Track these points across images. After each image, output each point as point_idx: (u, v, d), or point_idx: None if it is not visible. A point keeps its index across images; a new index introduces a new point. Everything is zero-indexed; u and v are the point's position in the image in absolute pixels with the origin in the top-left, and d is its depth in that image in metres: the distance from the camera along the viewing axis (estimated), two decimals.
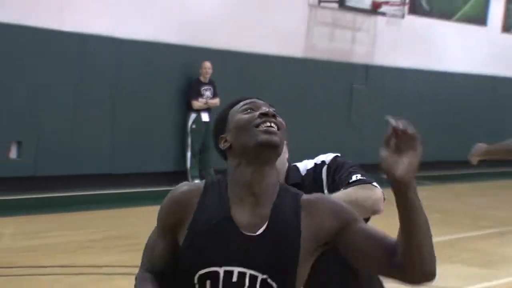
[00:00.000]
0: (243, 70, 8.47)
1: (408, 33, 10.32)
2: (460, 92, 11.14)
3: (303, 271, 1.27)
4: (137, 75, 7.73)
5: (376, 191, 1.71)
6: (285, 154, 1.75)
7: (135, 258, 1.66)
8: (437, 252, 1.17)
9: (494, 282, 5.46)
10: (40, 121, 6.93)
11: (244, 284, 1.24)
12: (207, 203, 1.31)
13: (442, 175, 10.32)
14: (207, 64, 7.98)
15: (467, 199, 8.99)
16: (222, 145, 1.32)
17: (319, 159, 1.81)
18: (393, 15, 9.84)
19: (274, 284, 1.24)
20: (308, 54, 9.34)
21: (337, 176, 1.73)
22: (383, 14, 9.89)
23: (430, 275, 1.23)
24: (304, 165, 1.85)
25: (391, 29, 9.94)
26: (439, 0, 11.47)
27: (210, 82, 8.05)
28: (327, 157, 1.81)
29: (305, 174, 1.82)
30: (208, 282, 1.23)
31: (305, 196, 1.34)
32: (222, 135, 1.33)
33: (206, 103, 8.03)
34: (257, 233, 1.25)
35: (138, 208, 7.00)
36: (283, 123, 1.35)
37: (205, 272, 1.25)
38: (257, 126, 1.26)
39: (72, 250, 5.28)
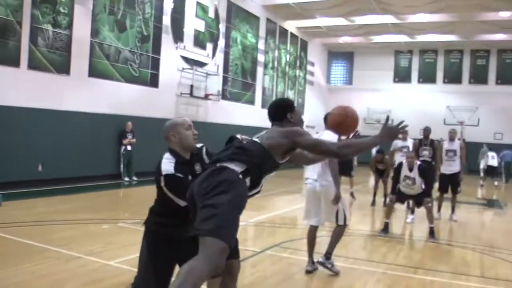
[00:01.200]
0: (146, 126, 15.26)
1: (221, 109, 18.90)
2: None
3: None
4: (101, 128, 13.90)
5: None
6: None
7: None
8: None
9: None
10: None
11: None
12: None
13: None
14: (129, 123, 14.48)
15: None
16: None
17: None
18: (215, 100, 18.26)
19: None
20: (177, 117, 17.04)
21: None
22: (210, 99, 18.10)
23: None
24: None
25: (215, 106, 18.37)
26: (234, 92, 20.39)
27: (131, 131, 14.64)
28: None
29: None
30: None
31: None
32: None
33: (128, 141, 14.59)
34: None
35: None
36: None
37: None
38: None
39: None
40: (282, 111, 3.53)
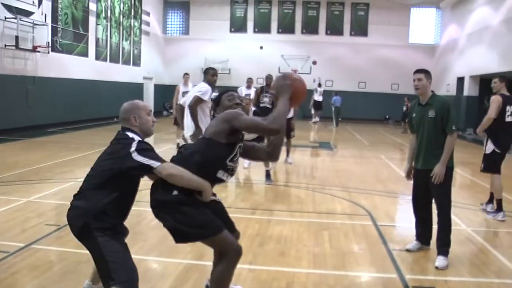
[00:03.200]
0: None
1: (52, 61, 17.78)
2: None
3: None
4: None
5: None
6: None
7: None
8: None
9: None
10: None
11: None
12: None
13: None
14: None
15: None
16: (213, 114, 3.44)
17: None
18: (44, 52, 17.09)
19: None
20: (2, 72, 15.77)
21: None
22: (38, 51, 16.87)
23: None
24: None
25: (45, 58, 17.26)
26: (65, 43, 19.24)
27: None
28: None
29: None
30: None
31: None
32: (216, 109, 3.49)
33: None
34: None
35: None
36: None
37: None
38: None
39: None
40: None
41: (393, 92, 29.63)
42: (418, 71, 5.10)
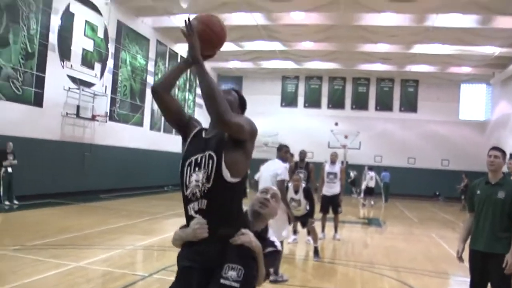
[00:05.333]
0: (29, 147, 14.66)
1: (108, 130, 18.50)
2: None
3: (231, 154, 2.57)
4: None
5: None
6: None
7: None
8: None
9: None
10: None
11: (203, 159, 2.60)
12: None
13: None
14: (10, 144, 13.41)
15: None
16: None
17: None
18: (102, 121, 17.87)
19: (214, 156, 2.58)
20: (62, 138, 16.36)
21: None
22: (97, 120, 17.72)
23: (219, 121, 2.50)
24: None
25: (102, 127, 17.98)
26: (122, 113, 20.05)
27: (12, 152, 13.53)
28: None
29: None
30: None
31: None
32: None
33: (9, 163, 13.58)
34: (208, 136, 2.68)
35: None
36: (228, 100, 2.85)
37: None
38: None
39: None
40: None
41: (443, 168, 29.15)
42: (495, 148, 4.87)
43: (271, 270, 6.17)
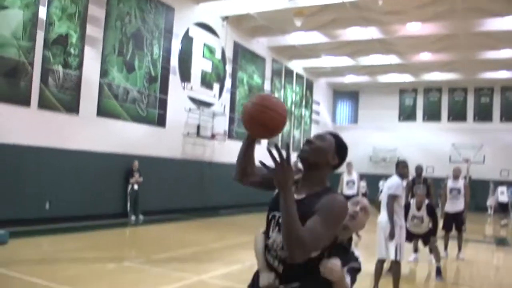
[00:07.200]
0: (153, 165, 15.40)
1: (227, 148, 19.04)
2: None
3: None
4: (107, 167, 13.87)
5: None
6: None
7: None
8: None
9: None
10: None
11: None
12: None
13: None
14: (136, 162, 14.53)
15: None
16: None
17: None
18: (221, 140, 18.42)
19: None
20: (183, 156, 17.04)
21: None
22: (216, 139, 18.23)
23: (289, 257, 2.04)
24: None
25: (221, 145, 18.53)
26: (240, 132, 20.55)
27: (138, 170, 14.71)
28: None
29: None
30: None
31: (326, 195, 2.25)
32: None
33: (135, 180, 14.50)
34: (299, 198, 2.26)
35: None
36: (317, 145, 2.38)
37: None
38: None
39: None
40: None
41: None
42: None
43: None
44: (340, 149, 2.49)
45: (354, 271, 2.80)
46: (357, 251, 2.97)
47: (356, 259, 2.86)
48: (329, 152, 2.42)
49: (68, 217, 12.44)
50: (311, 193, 2.32)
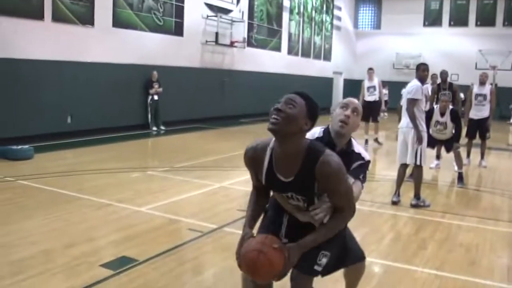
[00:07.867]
0: (172, 75, 15.16)
1: (247, 56, 18.79)
2: None
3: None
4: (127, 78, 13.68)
5: (359, 189, 2.75)
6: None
7: None
8: None
9: None
10: None
11: (288, 197, 2.36)
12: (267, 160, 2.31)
13: None
14: (155, 73, 14.27)
15: None
16: None
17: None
18: (240, 47, 18.10)
19: (300, 197, 2.34)
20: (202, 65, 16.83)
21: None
22: (235, 46, 17.97)
23: None
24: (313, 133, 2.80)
25: (241, 53, 18.27)
26: (259, 39, 20.17)
27: (157, 80, 14.55)
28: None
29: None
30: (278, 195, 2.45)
31: (318, 166, 2.19)
32: None
33: (155, 91, 14.42)
34: (288, 180, 2.29)
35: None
36: (287, 113, 2.17)
37: (275, 193, 2.45)
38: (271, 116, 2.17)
39: None
40: None
41: None
42: None
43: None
44: (312, 111, 2.31)
45: (361, 168, 2.85)
46: (359, 147, 2.91)
47: (358, 156, 2.86)
48: (301, 118, 2.25)
49: (90, 130, 12.51)
50: (298, 174, 2.31)
